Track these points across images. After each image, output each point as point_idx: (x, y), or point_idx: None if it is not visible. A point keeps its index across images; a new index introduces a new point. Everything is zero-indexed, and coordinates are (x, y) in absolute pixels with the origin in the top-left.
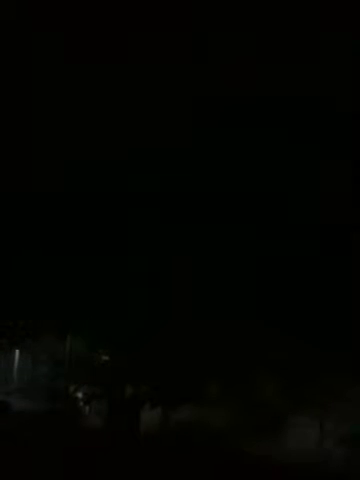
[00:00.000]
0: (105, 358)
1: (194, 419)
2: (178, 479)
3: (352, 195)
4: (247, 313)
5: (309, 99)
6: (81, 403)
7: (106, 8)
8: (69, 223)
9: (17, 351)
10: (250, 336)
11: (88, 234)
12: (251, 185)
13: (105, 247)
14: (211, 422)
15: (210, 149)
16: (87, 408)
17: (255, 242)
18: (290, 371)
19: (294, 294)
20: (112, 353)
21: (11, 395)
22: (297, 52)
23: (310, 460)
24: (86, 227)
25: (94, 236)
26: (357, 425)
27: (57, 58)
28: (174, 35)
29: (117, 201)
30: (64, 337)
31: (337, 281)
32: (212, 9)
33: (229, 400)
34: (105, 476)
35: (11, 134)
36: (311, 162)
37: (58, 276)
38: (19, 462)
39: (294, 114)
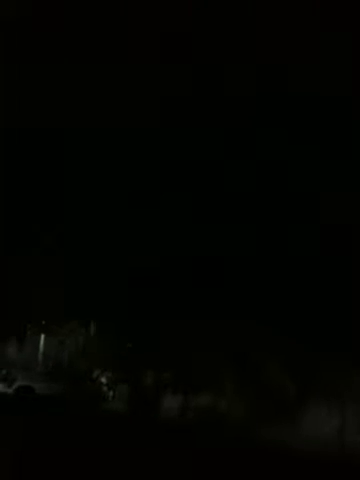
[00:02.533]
0: (128, 344)
1: (212, 406)
2: (194, 466)
3: (352, 193)
4: (252, 311)
5: (309, 99)
6: (105, 388)
7: (106, 8)
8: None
9: (42, 335)
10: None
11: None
12: (251, 185)
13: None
14: (228, 410)
15: (210, 149)
16: (111, 393)
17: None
18: (307, 359)
19: (297, 292)
20: (135, 339)
21: (36, 379)
22: (297, 52)
23: (329, 448)
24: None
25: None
26: None
27: (57, 58)
28: (174, 35)
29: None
30: (88, 322)
31: (337, 281)
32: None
33: (246, 387)
34: (123, 460)
35: (11, 135)
36: (311, 162)
37: (83, 263)
38: (42, 445)
39: (294, 114)
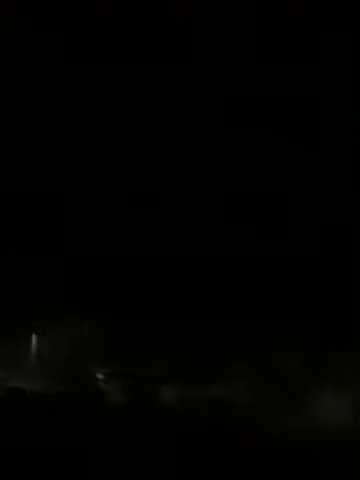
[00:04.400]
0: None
1: (221, 396)
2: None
3: (352, 195)
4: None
5: (309, 99)
6: (102, 383)
7: (106, 8)
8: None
9: (34, 334)
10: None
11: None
12: (251, 185)
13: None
14: (237, 397)
15: (209, 149)
16: (108, 388)
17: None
18: (319, 345)
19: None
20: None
21: (28, 379)
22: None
23: (341, 433)
24: None
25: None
26: None
27: (57, 58)
28: (174, 35)
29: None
30: (82, 318)
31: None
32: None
33: (255, 374)
34: (125, 455)
35: (11, 134)
36: (311, 162)
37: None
38: (32, 448)
39: (293, 114)
